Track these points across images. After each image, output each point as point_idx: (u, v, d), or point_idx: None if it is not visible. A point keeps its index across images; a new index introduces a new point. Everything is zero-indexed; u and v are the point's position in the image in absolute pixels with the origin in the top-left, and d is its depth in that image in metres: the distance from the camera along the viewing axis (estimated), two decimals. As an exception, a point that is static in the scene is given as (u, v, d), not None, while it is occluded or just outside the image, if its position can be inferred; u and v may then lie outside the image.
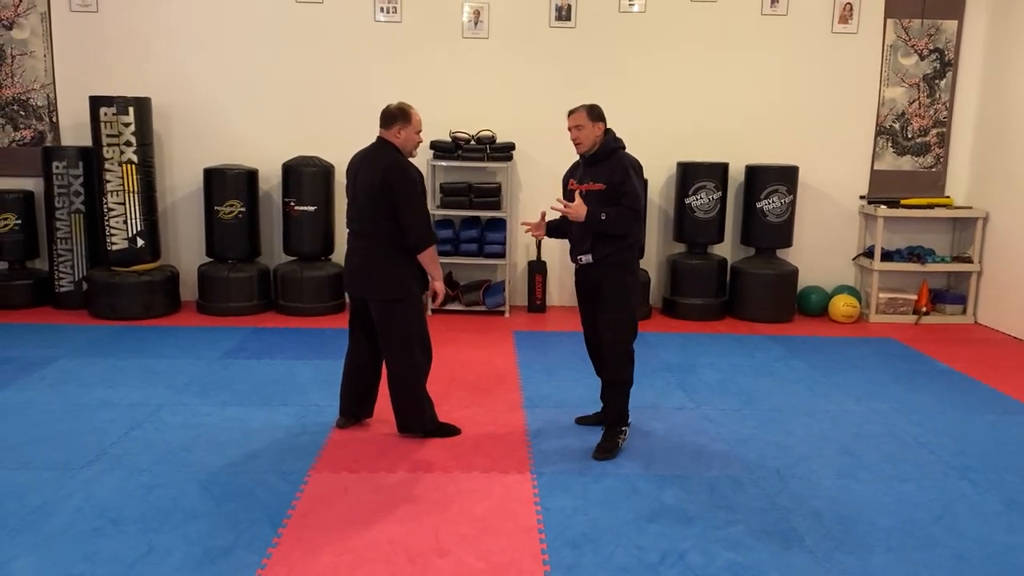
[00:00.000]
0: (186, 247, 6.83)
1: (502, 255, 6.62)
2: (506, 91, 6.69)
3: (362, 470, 3.61)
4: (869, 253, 6.86)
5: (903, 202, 6.76)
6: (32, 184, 6.55)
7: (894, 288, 6.83)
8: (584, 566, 2.87)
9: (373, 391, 4.11)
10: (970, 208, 6.79)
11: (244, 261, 6.48)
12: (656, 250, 7.03)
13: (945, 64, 6.85)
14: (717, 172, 6.61)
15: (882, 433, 4.22)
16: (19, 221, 6.43)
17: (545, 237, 4.12)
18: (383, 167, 3.68)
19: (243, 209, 6.37)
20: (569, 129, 3.82)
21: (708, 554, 2.97)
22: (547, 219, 4.01)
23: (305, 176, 6.35)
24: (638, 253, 3.93)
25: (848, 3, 6.70)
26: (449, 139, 6.50)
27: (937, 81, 6.87)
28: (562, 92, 6.18)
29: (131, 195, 6.15)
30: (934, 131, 6.94)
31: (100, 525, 3.07)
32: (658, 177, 6.84)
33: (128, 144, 6.10)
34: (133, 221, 6.18)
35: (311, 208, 6.35)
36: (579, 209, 3.70)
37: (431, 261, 3.82)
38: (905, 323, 6.69)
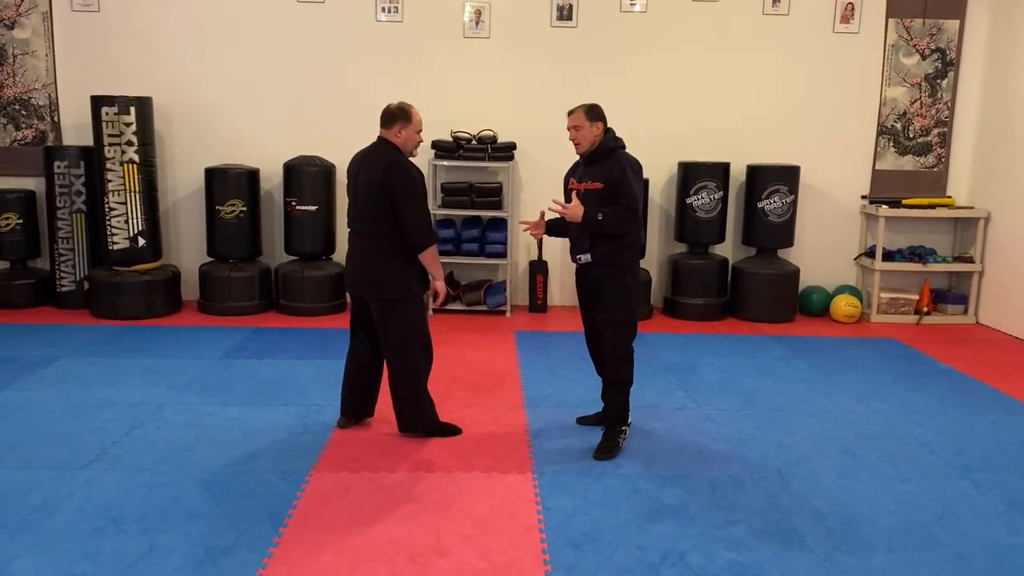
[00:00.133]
0: (187, 247, 6.84)
1: (503, 255, 6.62)
2: (507, 91, 6.69)
3: (363, 470, 3.62)
4: (870, 253, 6.85)
5: (904, 202, 6.75)
6: (33, 184, 6.57)
7: (895, 288, 6.83)
8: (585, 566, 2.87)
9: (374, 391, 4.11)
10: (971, 208, 6.79)
11: (245, 261, 6.49)
12: (657, 250, 7.03)
13: (947, 64, 6.85)
14: (718, 172, 6.60)
15: (883, 433, 4.22)
16: (20, 221, 6.44)
17: (545, 236, 4.11)
18: (384, 166, 3.68)
19: (244, 209, 6.38)
20: (568, 129, 3.82)
21: (709, 554, 2.97)
22: (546, 218, 4.01)
23: (306, 176, 6.36)
24: (638, 252, 3.92)
25: (849, 3, 6.70)
26: (450, 139, 6.50)
27: (939, 81, 6.87)
28: (563, 92, 6.18)
29: (132, 195, 6.15)
30: (935, 131, 6.93)
31: (101, 524, 3.07)
32: (659, 177, 6.84)
33: (129, 144, 6.10)
34: (134, 221, 6.18)
35: (312, 208, 6.35)
36: (575, 209, 3.70)
37: (432, 261, 3.82)
38: (906, 323, 6.69)
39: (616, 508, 3.30)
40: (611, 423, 3.90)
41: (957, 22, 6.79)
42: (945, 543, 3.11)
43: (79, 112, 6.44)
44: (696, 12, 6.68)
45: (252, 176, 6.47)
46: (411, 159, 3.82)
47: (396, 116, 3.77)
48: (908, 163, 6.96)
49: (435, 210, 6.43)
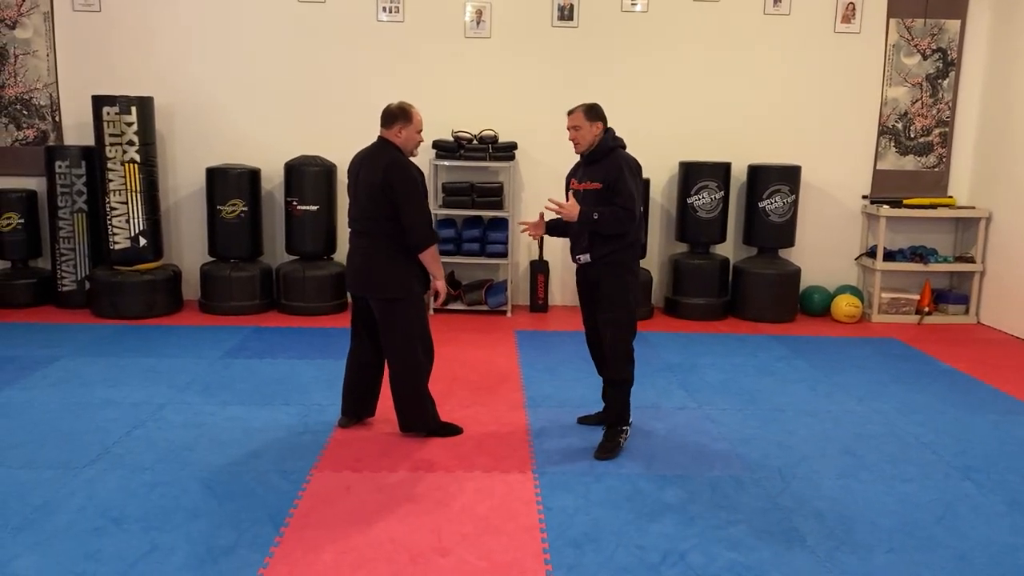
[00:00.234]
0: (188, 246, 6.84)
1: (504, 255, 6.62)
2: (508, 91, 6.69)
3: (364, 469, 3.62)
4: (872, 253, 6.85)
5: (906, 202, 6.75)
6: (35, 183, 6.57)
7: (896, 288, 6.82)
8: (585, 566, 2.87)
9: (375, 390, 4.11)
10: (973, 208, 6.78)
11: (246, 260, 6.49)
12: (658, 250, 7.03)
13: (948, 64, 6.84)
14: (719, 172, 6.60)
15: (884, 433, 4.22)
16: (22, 220, 6.44)
17: (545, 236, 4.11)
18: (384, 166, 3.68)
19: (245, 208, 6.38)
20: (568, 129, 3.82)
21: (709, 554, 2.97)
22: (546, 219, 4.02)
23: (307, 175, 6.36)
24: (638, 252, 3.92)
25: (851, 3, 6.70)
26: (451, 139, 6.50)
27: (940, 81, 6.87)
28: (564, 92, 6.17)
29: (134, 194, 6.16)
30: (937, 131, 6.93)
31: (102, 524, 3.07)
32: (660, 177, 6.84)
33: (131, 143, 6.11)
34: (135, 220, 6.19)
35: (313, 207, 6.36)
36: (571, 210, 3.70)
37: (432, 260, 3.82)
38: (907, 323, 6.69)
39: (617, 508, 3.30)
40: (612, 423, 3.90)
41: (958, 22, 6.79)
42: (946, 543, 3.10)
43: (80, 112, 6.44)
44: (697, 12, 6.68)
45: (253, 176, 6.48)
46: (412, 159, 3.82)
47: (396, 116, 3.77)
48: (909, 163, 6.96)
49: (436, 210, 6.43)
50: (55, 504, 3.22)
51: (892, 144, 6.93)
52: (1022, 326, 6.31)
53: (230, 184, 6.37)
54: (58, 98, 6.60)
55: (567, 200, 3.77)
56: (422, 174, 3.80)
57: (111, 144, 6.09)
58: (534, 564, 2.88)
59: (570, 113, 3.82)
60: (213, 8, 6.55)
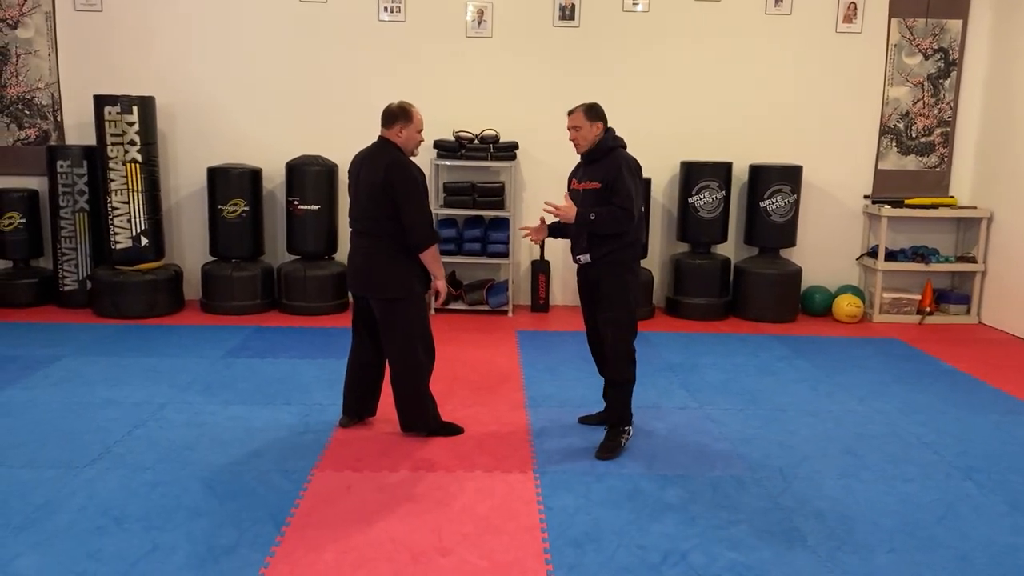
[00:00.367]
0: (190, 246, 6.85)
1: (505, 254, 6.62)
2: (509, 90, 6.69)
3: (365, 469, 3.62)
4: (873, 253, 6.84)
5: (907, 202, 6.75)
6: (36, 183, 6.58)
7: (898, 288, 6.82)
8: (586, 565, 2.87)
9: (376, 390, 4.11)
10: (974, 208, 6.78)
11: (248, 260, 6.49)
12: (659, 249, 7.02)
13: (949, 63, 6.84)
14: (721, 172, 6.60)
15: (885, 433, 4.21)
16: (23, 220, 6.45)
17: (545, 239, 4.11)
18: (384, 166, 3.68)
19: (247, 208, 6.39)
20: (568, 129, 3.82)
21: (710, 554, 2.97)
22: (547, 222, 4.02)
23: (308, 175, 6.36)
24: (639, 252, 3.92)
25: (852, 3, 6.69)
26: (453, 138, 6.50)
27: (941, 80, 6.86)
28: (566, 91, 6.15)
29: (135, 194, 6.16)
30: (938, 131, 6.92)
31: (103, 523, 3.07)
32: (661, 176, 6.83)
33: (132, 143, 6.11)
34: (137, 220, 6.19)
35: (314, 207, 6.36)
36: (568, 211, 3.70)
37: (433, 260, 3.82)
38: (909, 323, 6.68)
39: (618, 508, 3.30)
40: (613, 423, 3.90)
41: (960, 22, 6.78)
42: (947, 544, 3.10)
43: (82, 111, 6.45)
44: (698, 12, 6.67)
45: (254, 175, 6.48)
46: (412, 158, 3.82)
47: (397, 116, 3.77)
48: (911, 163, 6.96)
49: (437, 210, 6.43)
50: (56, 503, 3.22)
51: (893, 144, 6.93)
52: (1023, 326, 6.30)
53: (231, 184, 6.37)
54: (60, 98, 6.61)
55: (564, 201, 3.77)
56: (423, 174, 3.80)
57: (112, 144, 6.09)
58: (535, 564, 2.88)
59: (570, 113, 3.82)
60: (214, 8, 6.55)
